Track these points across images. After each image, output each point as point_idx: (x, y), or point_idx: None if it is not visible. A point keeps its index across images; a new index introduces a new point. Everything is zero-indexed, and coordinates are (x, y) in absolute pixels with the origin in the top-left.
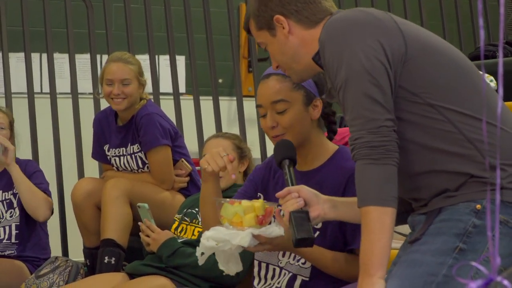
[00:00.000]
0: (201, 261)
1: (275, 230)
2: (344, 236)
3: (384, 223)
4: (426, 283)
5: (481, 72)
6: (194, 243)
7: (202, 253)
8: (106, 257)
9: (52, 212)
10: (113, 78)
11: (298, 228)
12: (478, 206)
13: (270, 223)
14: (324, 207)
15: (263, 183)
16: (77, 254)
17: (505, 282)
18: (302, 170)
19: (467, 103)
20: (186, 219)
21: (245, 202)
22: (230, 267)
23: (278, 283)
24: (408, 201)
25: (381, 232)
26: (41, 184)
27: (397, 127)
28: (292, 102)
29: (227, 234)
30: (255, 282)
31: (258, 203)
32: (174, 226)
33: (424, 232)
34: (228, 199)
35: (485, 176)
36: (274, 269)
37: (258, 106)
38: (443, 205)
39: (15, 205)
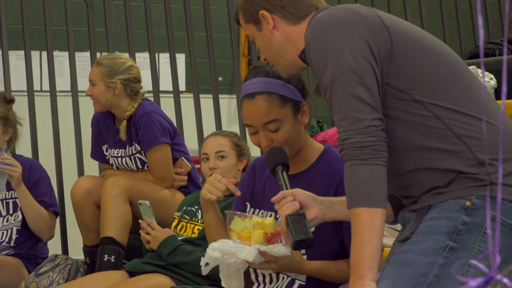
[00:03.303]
0: (204, 272)
1: (282, 249)
2: (338, 238)
3: (374, 224)
4: (417, 283)
5: (470, 68)
6: (194, 241)
7: (207, 264)
8: (106, 255)
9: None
10: (89, 79)
11: (296, 230)
12: (468, 203)
13: (278, 243)
14: (320, 208)
15: (248, 191)
16: (77, 252)
17: (505, 280)
18: (291, 173)
19: (455, 98)
20: (186, 217)
21: (256, 218)
22: (232, 283)
23: (277, 287)
24: (399, 198)
25: (372, 234)
26: (45, 196)
27: (385, 125)
28: (283, 119)
29: (234, 247)
30: (254, 287)
31: (269, 221)
32: (174, 224)
33: (414, 231)
34: (239, 213)
35: (474, 172)
36: (270, 274)
37: (248, 126)
38: (432, 202)
39: (19, 208)
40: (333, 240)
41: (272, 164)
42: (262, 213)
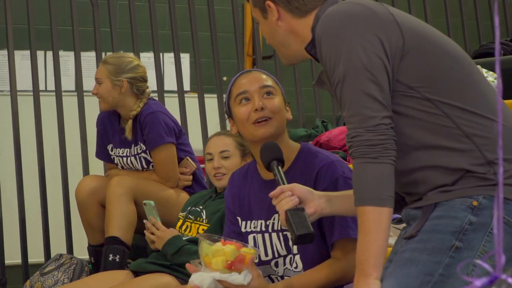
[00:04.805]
0: None
1: (238, 278)
2: (321, 232)
3: (381, 223)
4: (422, 283)
5: (478, 66)
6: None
7: None
8: (111, 255)
9: None
10: (95, 78)
11: (297, 225)
12: (475, 203)
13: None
14: (319, 202)
15: (235, 206)
16: (81, 251)
17: (510, 280)
18: (272, 177)
19: (466, 97)
20: (191, 217)
21: (217, 245)
22: None
23: None
24: (401, 195)
25: (378, 233)
26: None
27: (394, 123)
28: (277, 93)
29: (196, 277)
30: None
31: (229, 248)
32: (179, 224)
33: (419, 229)
34: (208, 239)
35: (481, 171)
36: (276, 278)
37: (241, 94)
38: (438, 200)
39: None
40: (320, 238)
41: (267, 159)
42: (254, 223)
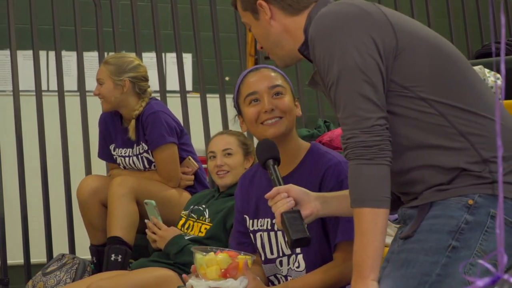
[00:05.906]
0: None
1: (234, 283)
2: (325, 232)
3: (377, 224)
4: (419, 283)
5: (477, 68)
6: (201, 241)
7: None
8: (113, 255)
9: None
10: (96, 79)
11: (293, 228)
12: (470, 201)
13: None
14: (315, 204)
15: (244, 205)
16: (84, 251)
17: None
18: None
19: (460, 96)
20: (193, 216)
21: (210, 255)
22: None
23: None
24: (398, 195)
25: (375, 234)
26: None
27: (389, 123)
28: (286, 91)
29: (189, 283)
30: None
31: (221, 256)
32: (181, 222)
33: (416, 229)
34: (202, 251)
35: (477, 169)
36: (281, 278)
37: (250, 95)
38: (434, 199)
39: None
40: (324, 238)
41: (263, 158)
42: (261, 221)
